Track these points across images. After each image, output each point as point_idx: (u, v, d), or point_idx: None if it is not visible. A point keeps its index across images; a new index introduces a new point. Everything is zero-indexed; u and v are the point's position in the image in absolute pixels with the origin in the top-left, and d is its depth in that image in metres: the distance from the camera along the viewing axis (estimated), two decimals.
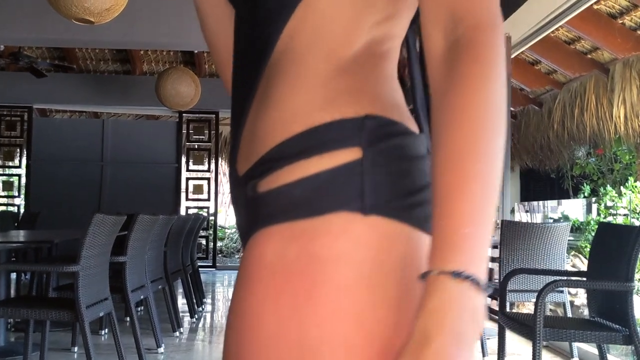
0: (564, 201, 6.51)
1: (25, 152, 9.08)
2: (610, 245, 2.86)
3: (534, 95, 8.19)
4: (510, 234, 3.79)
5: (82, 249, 2.91)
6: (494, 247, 4.89)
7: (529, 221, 7.39)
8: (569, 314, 3.47)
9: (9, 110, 9.13)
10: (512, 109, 8.37)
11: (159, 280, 4.28)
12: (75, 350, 3.84)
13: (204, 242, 9.31)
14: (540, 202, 9.32)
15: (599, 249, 2.98)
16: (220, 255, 10.68)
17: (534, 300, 2.58)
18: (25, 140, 9.10)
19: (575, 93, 7.40)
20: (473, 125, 0.51)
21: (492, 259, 4.92)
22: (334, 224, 0.55)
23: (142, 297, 3.78)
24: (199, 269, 6.35)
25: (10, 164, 9.15)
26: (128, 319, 4.28)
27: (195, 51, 8.12)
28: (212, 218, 9.28)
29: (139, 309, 4.97)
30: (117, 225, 3.18)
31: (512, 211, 9.30)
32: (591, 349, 3.61)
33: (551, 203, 9.29)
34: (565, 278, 3.07)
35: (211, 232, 9.35)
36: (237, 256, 11.53)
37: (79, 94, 8.78)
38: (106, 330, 4.30)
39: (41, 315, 2.96)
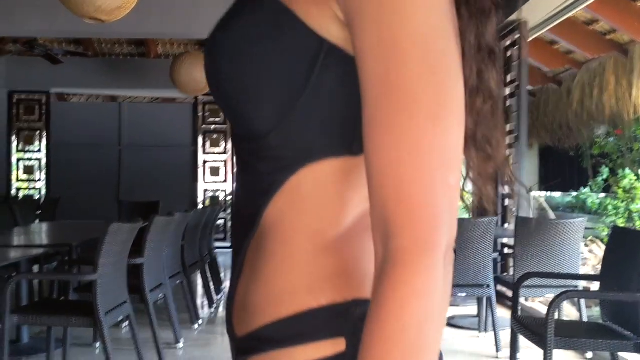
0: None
1: (44, 137, 9.21)
2: (623, 251, 2.85)
3: (552, 74, 8.05)
4: (525, 231, 3.79)
5: (99, 257, 2.97)
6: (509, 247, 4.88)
7: (547, 204, 7.33)
8: (584, 315, 3.47)
9: (27, 96, 9.23)
10: (530, 87, 8.25)
11: (177, 275, 4.36)
12: (97, 345, 3.93)
13: (222, 222, 9.40)
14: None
15: (612, 253, 2.97)
16: None
17: (547, 295, 2.58)
18: (44, 124, 9.22)
19: (594, 73, 7.26)
20: (382, 350, 0.51)
21: (508, 254, 4.92)
22: None
23: (160, 295, 3.86)
24: (217, 250, 6.47)
25: (31, 148, 9.28)
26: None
27: None
28: (229, 198, 9.37)
29: (159, 297, 5.09)
30: (133, 232, 3.24)
31: (530, 190, 9.25)
32: None
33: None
34: (576, 289, 3.07)
35: (229, 212, 9.43)
36: None
37: (94, 78, 8.83)
38: (127, 323, 4.40)
39: (62, 322, 3.05)
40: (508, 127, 5.59)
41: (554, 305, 2.57)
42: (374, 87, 0.53)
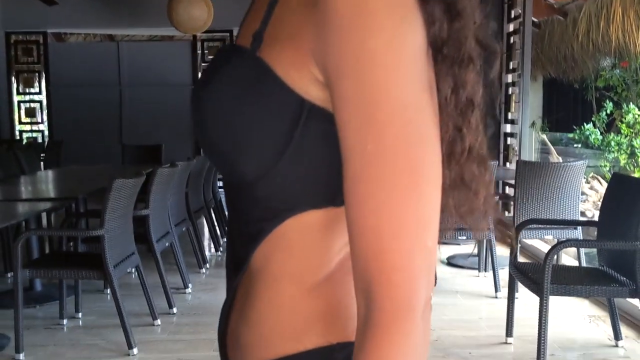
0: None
1: (43, 78, 9.11)
2: (622, 199, 2.88)
3: (558, 5, 7.85)
4: (526, 174, 3.81)
5: (105, 213, 3.02)
6: (510, 185, 4.91)
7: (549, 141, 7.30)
8: (583, 260, 3.53)
9: (23, 36, 9.08)
10: (534, 19, 8.06)
11: (183, 222, 4.44)
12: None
13: None
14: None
15: (611, 200, 3.00)
16: None
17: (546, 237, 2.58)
18: (43, 65, 9.11)
19: (601, 4, 7.10)
20: None
21: (508, 195, 4.96)
22: None
23: (167, 244, 3.94)
24: (221, 189, 6.52)
25: (31, 90, 9.21)
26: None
27: None
28: None
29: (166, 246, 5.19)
30: (137, 186, 3.27)
31: (533, 125, 9.21)
32: None
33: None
34: (573, 239, 3.12)
35: None
36: None
37: (91, 16, 8.65)
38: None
39: (72, 275, 3.13)
40: (512, 65, 5.52)
41: (550, 255, 2.63)
42: (352, 158, 0.55)
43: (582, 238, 3.72)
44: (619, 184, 2.98)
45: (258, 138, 0.61)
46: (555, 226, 3.72)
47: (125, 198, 3.18)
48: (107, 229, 3.03)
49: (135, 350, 3.11)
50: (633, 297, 2.74)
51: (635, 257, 2.65)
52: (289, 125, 0.59)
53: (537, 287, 2.73)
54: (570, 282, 2.78)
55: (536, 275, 2.81)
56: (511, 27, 5.53)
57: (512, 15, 5.50)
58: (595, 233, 3.14)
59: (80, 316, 3.66)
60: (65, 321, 3.56)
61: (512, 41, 5.52)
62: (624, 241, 2.68)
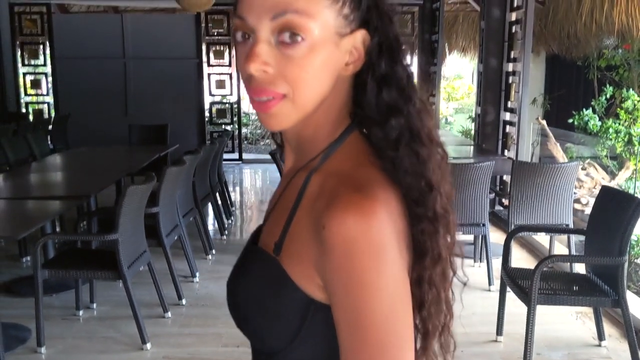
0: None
1: (48, 49, 9.16)
2: (610, 211, 3.03)
3: None
4: (521, 174, 3.96)
5: (119, 217, 3.18)
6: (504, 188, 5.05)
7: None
8: (573, 249, 3.68)
9: (28, 8, 9.09)
10: None
11: (190, 212, 4.60)
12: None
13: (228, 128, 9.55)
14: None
15: (599, 211, 3.15)
16: (245, 142, 10.94)
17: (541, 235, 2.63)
18: (47, 37, 9.13)
19: None
20: None
21: (503, 189, 5.11)
22: None
23: (175, 237, 4.12)
24: (225, 162, 6.63)
25: (37, 62, 9.27)
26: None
27: None
28: (235, 106, 9.45)
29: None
30: (149, 190, 3.43)
31: (534, 101, 9.27)
32: None
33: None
34: (561, 255, 3.28)
35: (236, 125, 9.55)
36: (262, 143, 11.82)
37: None
38: None
39: (88, 275, 3.33)
40: (512, 54, 5.58)
41: (538, 269, 2.80)
42: (343, 346, 0.71)
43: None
44: (607, 196, 3.13)
45: (278, 322, 0.77)
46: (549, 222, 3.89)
47: (137, 202, 3.34)
48: (121, 232, 3.20)
49: (148, 345, 3.32)
50: (615, 307, 2.93)
51: (619, 271, 2.82)
52: (300, 315, 0.76)
53: (525, 297, 2.92)
54: (558, 291, 2.97)
55: (525, 283, 2.99)
56: (513, 17, 5.57)
57: (515, 5, 5.54)
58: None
59: (94, 307, 3.87)
60: (81, 312, 3.77)
61: (513, 30, 5.58)
62: (609, 256, 2.84)
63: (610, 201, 3.06)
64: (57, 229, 4.63)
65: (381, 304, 0.69)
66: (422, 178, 0.76)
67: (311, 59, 0.73)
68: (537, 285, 2.79)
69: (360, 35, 0.77)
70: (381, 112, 0.77)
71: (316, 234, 0.72)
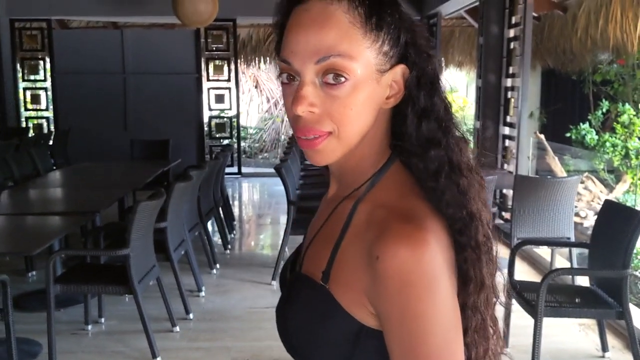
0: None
1: (48, 65, 9.21)
2: (613, 225, 3.10)
3: (558, 0, 7.96)
4: (523, 188, 4.03)
5: (131, 234, 3.23)
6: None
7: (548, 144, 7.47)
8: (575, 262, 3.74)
9: (28, 24, 9.15)
10: (534, 14, 8.17)
11: (196, 227, 4.65)
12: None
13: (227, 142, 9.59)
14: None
15: (603, 225, 3.22)
16: (244, 155, 10.98)
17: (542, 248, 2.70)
18: (47, 52, 9.19)
19: (600, 2, 7.21)
20: None
21: (504, 203, 5.18)
22: None
23: (182, 252, 4.16)
24: (227, 176, 6.66)
25: (37, 77, 9.31)
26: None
27: None
28: (234, 120, 9.50)
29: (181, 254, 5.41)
30: (158, 206, 3.47)
31: (531, 115, 9.38)
32: None
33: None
34: (565, 268, 3.34)
35: (235, 140, 9.59)
36: (260, 157, 11.87)
37: (94, 3, 8.70)
38: None
39: (99, 290, 3.36)
40: (511, 70, 5.67)
41: (544, 283, 2.86)
42: None
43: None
44: (610, 210, 3.20)
45: (329, 349, 0.80)
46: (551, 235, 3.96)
47: (147, 217, 3.38)
48: (132, 247, 3.24)
49: (159, 359, 3.35)
50: (619, 319, 2.99)
51: (623, 283, 2.89)
52: (352, 342, 0.79)
53: (531, 309, 2.97)
54: (563, 303, 3.02)
55: (531, 296, 3.05)
56: (512, 33, 5.68)
57: (513, 22, 5.65)
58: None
59: (103, 321, 3.90)
60: (90, 327, 3.79)
61: (512, 47, 5.68)
62: (612, 269, 2.91)
63: (614, 215, 3.12)
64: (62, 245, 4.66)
65: (435, 334, 0.72)
66: (463, 208, 0.78)
67: (355, 97, 0.76)
68: (543, 298, 2.85)
69: (400, 69, 0.81)
70: (421, 144, 0.81)
71: (368, 264, 0.74)
